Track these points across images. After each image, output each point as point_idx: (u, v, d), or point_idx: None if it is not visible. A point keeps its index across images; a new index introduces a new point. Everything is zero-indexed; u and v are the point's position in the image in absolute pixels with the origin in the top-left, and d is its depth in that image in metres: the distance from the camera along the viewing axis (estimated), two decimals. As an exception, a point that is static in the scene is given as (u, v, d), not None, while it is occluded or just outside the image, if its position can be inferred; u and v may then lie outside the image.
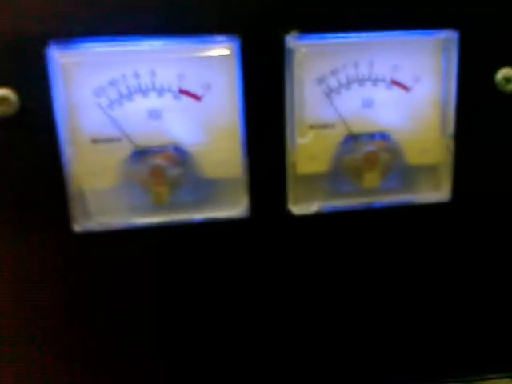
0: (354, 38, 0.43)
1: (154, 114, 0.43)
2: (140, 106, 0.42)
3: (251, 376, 0.50)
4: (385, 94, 0.45)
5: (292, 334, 0.50)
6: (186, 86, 0.42)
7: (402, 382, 0.53)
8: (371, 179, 0.47)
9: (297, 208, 0.46)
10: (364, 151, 0.46)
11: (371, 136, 0.46)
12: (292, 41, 0.42)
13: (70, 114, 0.41)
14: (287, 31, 0.42)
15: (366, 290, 0.50)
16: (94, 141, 0.43)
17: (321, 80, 0.44)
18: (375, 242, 0.49)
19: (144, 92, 0.42)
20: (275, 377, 0.51)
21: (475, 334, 0.53)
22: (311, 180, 0.46)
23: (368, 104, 0.45)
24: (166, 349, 0.48)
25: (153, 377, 0.49)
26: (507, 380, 0.54)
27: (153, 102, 0.42)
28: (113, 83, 0.42)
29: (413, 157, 0.47)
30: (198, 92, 0.43)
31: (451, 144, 0.47)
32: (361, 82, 0.44)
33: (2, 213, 0.43)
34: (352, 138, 0.46)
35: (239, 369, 0.50)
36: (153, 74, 0.42)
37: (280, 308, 0.49)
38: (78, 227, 0.43)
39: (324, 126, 0.45)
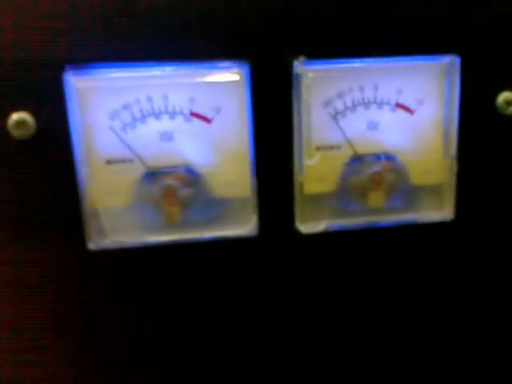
0: (360, 63, 0.45)
1: (166, 136, 0.44)
2: (152, 128, 0.44)
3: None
4: (389, 117, 0.46)
5: (298, 350, 0.51)
6: (197, 109, 0.44)
7: None
8: (376, 199, 0.48)
9: (304, 227, 0.47)
10: (369, 172, 0.47)
11: (376, 157, 0.47)
12: (299, 66, 0.43)
13: (86, 135, 0.43)
14: (295, 57, 0.43)
15: (371, 307, 0.51)
16: (108, 162, 0.44)
17: (327, 103, 0.45)
18: (380, 261, 0.50)
19: (156, 115, 0.44)
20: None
21: (475, 349, 0.54)
22: (318, 199, 0.48)
23: (373, 126, 0.46)
24: (173, 364, 0.49)
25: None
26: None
27: (165, 124, 0.44)
28: (126, 107, 0.43)
29: (416, 177, 0.49)
30: (209, 115, 0.44)
31: (454, 164, 0.48)
32: (366, 105, 0.46)
33: (18, 230, 0.44)
34: (357, 159, 0.47)
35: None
36: (165, 97, 0.43)
37: (286, 325, 0.50)
38: (92, 245, 0.45)
39: (330, 148, 0.46)
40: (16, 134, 0.41)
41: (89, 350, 0.48)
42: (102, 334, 0.48)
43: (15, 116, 0.41)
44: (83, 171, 0.43)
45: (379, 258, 0.50)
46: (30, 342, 0.47)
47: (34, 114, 0.41)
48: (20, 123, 0.41)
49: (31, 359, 0.47)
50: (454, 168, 0.48)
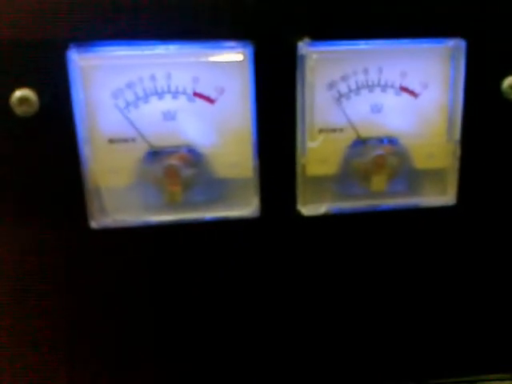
0: (364, 45, 0.44)
1: (169, 116, 0.44)
2: (155, 107, 0.44)
3: (255, 375, 0.52)
4: (393, 100, 0.46)
5: (299, 332, 0.51)
6: (200, 90, 0.44)
7: (404, 381, 0.54)
8: (378, 182, 0.48)
9: (306, 209, 0.48)
10: (372, 155, 0.47)
11: (379, 140, 0.47)
12: (304, 47, 0.43)
13: (89, 114, 0.43)
14: (299, 38, 0.43)
15: (371, 290, 0.52)
16: (111, 141, 0.44)
17: (331, 85, 0.45)
18: (381, 244, 0.50)
19: (159, 94, 0.44)
20: (279, 376, 0.52)
21: (478, 334, 0.54)
22: (320, 182, 0.48)
23: (377, 109, 0.46)
24: (172, 346, 0.50)
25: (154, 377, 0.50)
26: (509, 382, 0.55)
27: (168, 104, 0.44)
28: (130, 85, 0.43)
29: (419, 161, 0.48)
30: (212, 95, 0.44)
31: (457, 149, 0.48)
32: (370, 87, 0.46)
33: (19, 209, 0.44)
34: (360, 142, 0.47)
35: (247, 368, 0.51)
36: (168, 77, 0.43)
37: (287, 307, 0.50)
38: (94, 224, 0.45)
39: (333, 130, 0.46)
40: (19, 111, 0.41)
41: (88, 329, 0.48)
42: (102, 312, 0.48)
43: (18, 93, 0.41)
44: (86, 150, 0.44)
45: (380, 241, 0.50)
46: (28, 321, 0.47)
47: (38, 91, 0.41)
48: (23, 100, 0.41)
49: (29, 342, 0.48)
50: (458, 152, 0.48)
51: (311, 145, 0.46)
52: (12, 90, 0.41)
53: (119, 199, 0.45)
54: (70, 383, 0.49)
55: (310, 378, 0.53)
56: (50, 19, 0.41)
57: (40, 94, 0.42)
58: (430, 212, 0.50)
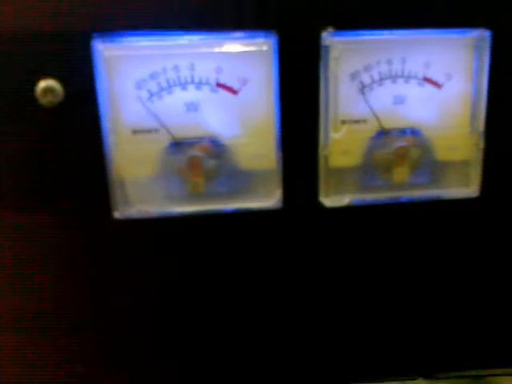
0: (388, 35, 0.44)
1: (192, 107, 0.44)
2: (179, 98, 0.44)
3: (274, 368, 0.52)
4: (416, 91, 0.46)
5: (318, 323, 0.51)
6: (224, 80, 0.44)
7: (411, 375, 0.54)
8: (401, 174, 0.48)
9: (328, 200, 0.47)
10: (394, 146, 0.47)
11: (402, 131, 0.47)
12: (328, 37, 0.43)
13: (112, 105, 0.43)
14: (323, 28, 0.43)
15: (392, 281, 0.51)
16: (134, 131, 0.44)
17: (354, 76, 0.45)
18: (403, 236, 0.50)
19: (183, 85, 0.44)
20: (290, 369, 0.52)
21: (492, 328, 0.54)
22: (343, 173, 0.47)
23: (400, 100, 0.46)
24: (194, 334, 0.50)
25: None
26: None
27: (191, 94, 0.44)
28: (153, 76, 0.43)
29: (442, 153, 0.48)
30: (235, 86, 0.44)
31: (481, 141, 0.48)
32: (393, 78, 0.45)
33: (44, 199, 0.44)
34: (383, 133, 0.47)
35: (267, 363, 0.51)
36: (192, 67, 0.43)
37: (308, 297, 0.50)
38: (117, 214, 0.45)
39: (356, 121, 0.46)
40: (44, 101, 0.41)
41: (112, 320, 0.48)
42: (125, 301, 0.48)
43: (43, 83, 0.41)
44: (109, 140, 0.44)
45: (402, 233, 0.50)
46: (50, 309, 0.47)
47: (62, 81, 0.42)
48: (48, 90, 0.41)
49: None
50: (481, 144, 0.47)
51: (334, 136, 0.46)
52: (37, 81, 0.41)
53: (142, 190, 0.45)
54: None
55: (320, 369, 0.52)
56: (75, 9, 0.41)
57: (65, 84, 0.42)
58: (453, 204, 0.49)
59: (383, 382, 0.53)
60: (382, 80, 0.45)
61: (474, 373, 0.55)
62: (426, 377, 0.54)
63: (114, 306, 0.48)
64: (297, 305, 0.51)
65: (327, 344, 0.52)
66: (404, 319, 0.52)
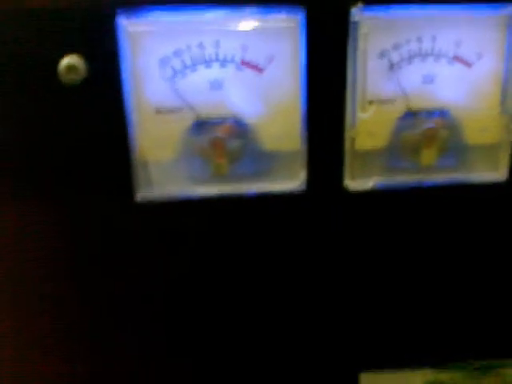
0: (419, 11, 0.43)
1: (217, 85, 0.43)
2: (203, 76, 0.43)
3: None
4: (446, 70, 0.45)
5: (344, 306, 0.50)
6: (249, 58, 0.43)
7: (417, 364, 0.53)
8: (428, 156, 0.47)
9: (353, 183, 0.46)
10: (422, 128, 0.46)
11: (430, 112, 0.46)
12: (357, 13, 0.42)
13: (136, 83, 0.42)
14: (352, 3, 0.42)
15: (418, 267, 0.50)
16: (158, 110, 0.43)
17: (383, 54, 0.44)
18: (429, 221, 0.49)
19: (207, 63, 0.43)
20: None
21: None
22: (368, 156, 0.46)
23: (429, 80, 0.45)
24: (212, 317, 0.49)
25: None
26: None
27: (215, 72, 0.43)
28: (177, 53, 0.42)
29: (471, 135, 0.47)
30: (261, 64, 0.43)
31: (511, 123, 0.46)
32: (423, 57, 0.44)
33: (64, 180, 0.44)
34: (411, 114, 0.46)
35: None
36: (217, 44, 0.42)
37: (331, 280, 0.50)
38: (140, 196, 0.44)
39: (384, 101, 0.45)
40: (66, 78, 0.40)
41: (132, 302, 0.47)
42: (149, 281, 0.47)
43: (66, 60, 0.40)
44: (133, 120, 0.43)
45: (428, 217, 0.49)
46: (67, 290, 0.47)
47: (85, 58, 0.41)
48: (71, 68, 0.40)
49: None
50: (511, 126, 0.46)
51: (362, 116, 0.45)
52: (60, 57, 0.40)
53: (165, 171, 0.45)
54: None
55: (330, 357, 0.52)
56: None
57: (88, 60, 0.41)
58: (481, 188, 0.48)
59: (392, 370, 0.52)
60: (411, 58, 0.44)
61: (481, 362, 0.53)
62: (434, 366, 0.53)
63: (134, 292, 0.47)
64: (318, 289, 0.50)
65: (340, 331, 0.51)
66: (418, 307, 0.51)
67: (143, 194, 0.44)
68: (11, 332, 0.47)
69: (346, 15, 0.42)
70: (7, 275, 0.46)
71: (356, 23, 0.42)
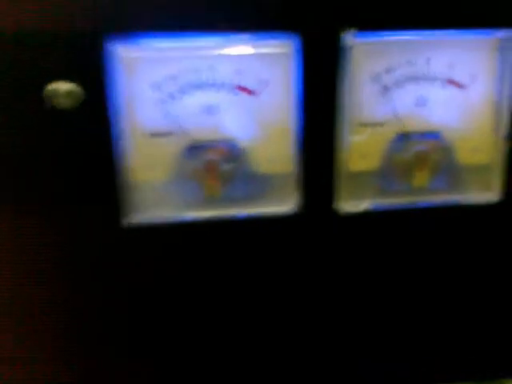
0: (411, 36, 0.43)
1: (210, 109, 0.43)
2: (196, 100, 0.43)
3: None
4: (439, 93, 0.45)
5: (334, 329, 0.50)
6: (243, 82, 0.43)
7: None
8: (421, 178, 0.47)
9: (346, 205, 0.46)
10: (415, 150, 0.46)
11: (423, 135, 0.46)
12: (349, 38, 0.42)
13: (129, 107, 0.42)
14: (345, 29, 0.42)
15: (411, 288, 0.50)
16: (151, 134, 0.43)
17: (375, 78, 0.44)
18: (422, 242, 0.49)
19: (201, 87, 0.42)
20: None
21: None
22: (361, 178, 0.46)
23: (422, 102, 0.45)
24: (210, 342, 0.49)
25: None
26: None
27: (209, 97, 0.43)
28: (171, 78, 0.42)
29: (464, 156, 0.47)
30: (255, 88, 0.43)
31: (504, 144, 0.46)
32: (415, 79, 0.44)
33: (55, 203, 0.43)
34: (404, 136, 0.46)
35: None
36: (211, 69, 0.42)
37: (324, 303, 0.49)
38: (131, 219, 0.44)
39: (376, 124, 0.45)
40: (59, 103, 0.40)
41: (121, 329, 0.47)
42: (137, 309, 0.47)
43: (56, 85, 0.40)
44: (125, 143, 0.42)
45: (420, 239, 0.49)
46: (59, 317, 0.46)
47: (78, 83, 0.40)
48: (64, 93, 0.40)
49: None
50: (504, 148, 0.46)
51: (354, 139, 0.45)
52: (51, 82, 0.40)
53: (157, 194, 0.44)
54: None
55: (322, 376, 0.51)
56: (90, 10, 0.39)
57: (80, 85, 0.40)
58: (474, 209, 0.48)
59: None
60: (403, 81, 0.44)
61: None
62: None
63: (122, 316, 0.47)
64: (313, 311, 0.49)
65: (334, 354, 0.51)
66: (413, 328, 0.51)
67: (135, 216, 0.44)
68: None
69: (338, 40, 0.42)
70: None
71: (348, 48, 0.42)
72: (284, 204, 0.46)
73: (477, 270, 0.50)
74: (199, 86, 0.42)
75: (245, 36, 0.41)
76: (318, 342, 0.50)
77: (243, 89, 0.42)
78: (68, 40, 0.40)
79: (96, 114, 0.42)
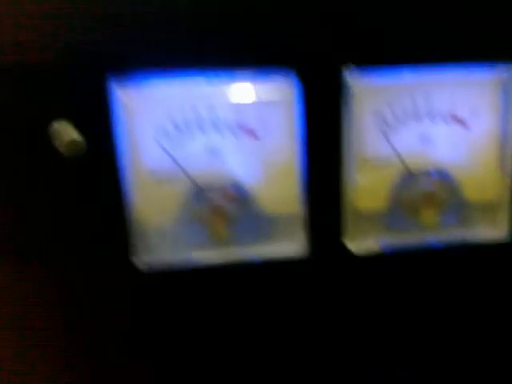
0: (412, 74, 0.43)
1: (213, 152, 0.43)
2: (199, 143, 0.43)
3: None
4: (442, 130, 0.45)
5: (346, 371, 0.49)
6: (245, 123, 0.43)
7: None
8: (428, 216, 0.47)
9: (354, 244, 0.46)
10: (421, 189, 0.46)
11: (429, 173, 0.46)
12: (350, 76, 0.42)
13: (132, 152, 0.42)
14: (345, 67, 0.42)
15: (420, 328, 0.50)
16: (155, 178, 0.43)
17: (378, 116, 0.44)
18: (431, 281, 0.48)
19: (203, 129, 0.43)
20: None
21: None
22: (368, 216, 0.46)
23: (425, 140, 0.45)
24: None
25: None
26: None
27: (212, 139, 0.43)
28: (173, 121, 0.42)
29: (470, 193, 0.47)
30: (257, 130, 0.43)
31: (509, 181, 0.46)
32: (418, 117, 0.45)
33: (67, 247, 0.43)
34: (409, 175, 0.46)
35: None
36: (211, 111, 0.42)
37: (335, 343, 0.49)
38: (138, 263, 0.44)
39: (381, 163, 0.45)
40: (64, 150, 0.40)
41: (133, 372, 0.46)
42: (147, 353, 0.46)
43: (68, 136, 0.39)
44: (130, 188, 0.42)
45: (430, 278, 0.48)
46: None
47: (80, 128, 0.40)
48: (71, 141, 0.40)
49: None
50: (510, 184, 0.46)
51: (359, 178, 0.44)
52: (50, 124, 0.40)
53: (163, 238, 0.44)
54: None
55: None
56: (91, 51, 0.40)
57: (81, 130, 0.40)
58: (481, 247, 0.48)
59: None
60: (406, 119, 0.44)
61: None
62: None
63: (128, 358, 0.46)
64: (323, 353, 0.49)
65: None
66: (422, 366, 0.51)
67: (142, 260, 0.44)
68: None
69: (340, 79, 0.42)
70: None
71: (349, 86, 0.42)
72: (291, 244, 0.46)
73: (486, 307, 0.49)
74: (201, 129, 0.42)
75: (245, 76, 0.42)
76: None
77: (245, 130, 0.43)
78: (68, 83, 0.40)
79: (101, 160, 0.42)
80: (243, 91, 0.42)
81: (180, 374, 0.47)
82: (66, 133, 0.39)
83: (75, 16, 0.39)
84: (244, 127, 0.43)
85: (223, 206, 0.44)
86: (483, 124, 0.45)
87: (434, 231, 0.47)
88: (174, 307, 0.46)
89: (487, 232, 0.48)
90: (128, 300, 0.45)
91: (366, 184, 0.45)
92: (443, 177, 0.46)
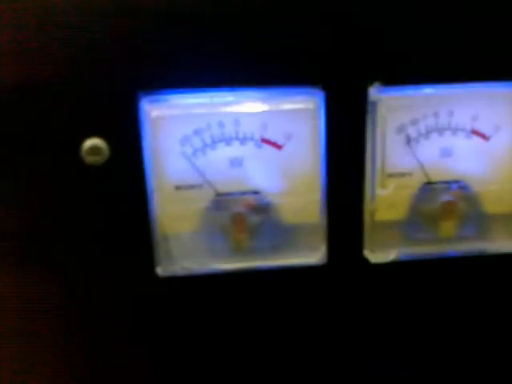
0: (435, 89, 0.44)
1: (236, 162, 0.44)
2: (223, 154, 0.43)
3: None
4: (464, 143, 0.45)
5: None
6: (269, 136, 0.43)
7: None
8: (448, 228, 0.47)
9: (374, 255, 0.46)
10: (441, 200, 0.46)
11: (449, 185, 0.46)
12: (375, 93, 0.43)
13: (156, 162, 0.43)
14: (370, 84, 0.42)
15: (437, 338, 0.50)
16: (178, 187, 0.44)
17: (401, 130, 0.44)
18: (449, 291, 0.49)
19: (227, 141, 0.43)
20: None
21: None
22: (388, 227, 0.47)
23: (447, 153, 0.45)
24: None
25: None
26: None
27: (235, 150, 0.43)
28: (198, 132, 0.43)
29: (490, 205, 0.47)
30: (280, 141, 0.43)
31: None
32: (440, 131, 0.45)
33: (86, 257, 0.44)
34: (429, 187, 0.46)
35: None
36: (236, 123, 0.43)
37: (352, 351, 0.49)
38: (161, 271, 0.44)
39: (403, 175, 0.45)
40: (89, 160, 0.41)
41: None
42: (170, 360, 0.47)
43: (89, 142, 0.41)
44: (153, 197, 0.43)
45: (448, 288, 0.48)
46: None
47: (108, 140, 0.41)
48: (93, 149, 0.41)
49: None
50: (529, 197, 0.46)
51: (381, 191, 0.45)
52: (83, 140, 0.41)
53: (185, 246, 0.45)
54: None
55: None
56: (120, 70, 0.40)
57: (110, 142, 0.41)
58: (500, 258, 0.48)
59: None
60: (428, 133, 0.45)
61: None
62: None
63: (150, 364, 0.47)
64: (340, 361, 0.49)
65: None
66: (438, 377, 0.51)
67: (164, 268, 0.44)
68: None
69: (364, 95, 0.42)
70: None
71: (374, 103, 0.43)
72: (312, 255, 0.46)
73: (504, 320, 0.49)
74: (225, 139, 0.43)
75: (270, 91, 0.42)
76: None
77: (268, 142, 0.43)
78: (98, 98, 0.41)
79: (126, 170, 0.42)
80: (267, 106, 0.42)
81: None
82: (90, 142, 0.40)
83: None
84: (268, 139, 0.43)
85: (244, 215, 0.44)
86: (504, 137, 0.45)
87: (453, 242, 0.47)
88: (192, 313, 0.46)
89: (506, 244, 0.48)
90: (146, 305, 0.46)
91: (386, 195, 0.45)
92: (463, 188, 0.46)
